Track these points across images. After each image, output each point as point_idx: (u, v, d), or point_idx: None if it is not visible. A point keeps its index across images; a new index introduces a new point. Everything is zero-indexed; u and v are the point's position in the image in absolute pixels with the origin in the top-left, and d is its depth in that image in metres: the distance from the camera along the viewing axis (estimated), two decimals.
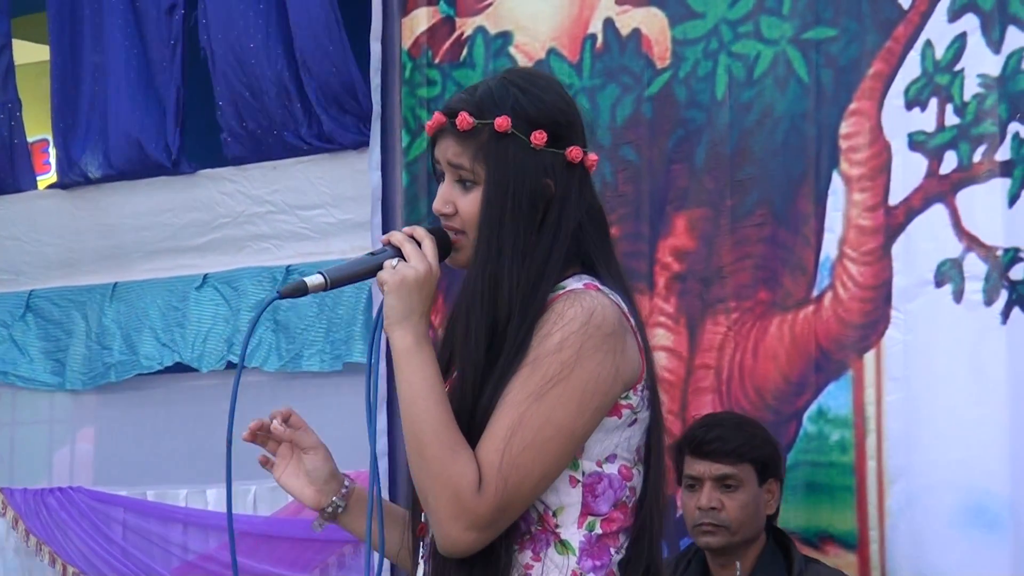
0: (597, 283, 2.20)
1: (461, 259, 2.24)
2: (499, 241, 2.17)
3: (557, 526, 2.17)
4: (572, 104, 2.27)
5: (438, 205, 2.23)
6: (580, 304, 2.14)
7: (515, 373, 2.12)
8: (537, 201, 2.19)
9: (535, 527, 2.16)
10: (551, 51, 4.08)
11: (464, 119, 2.20)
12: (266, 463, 2.41)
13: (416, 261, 2.18)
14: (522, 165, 2.19)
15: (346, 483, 2.36)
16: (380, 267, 2.20)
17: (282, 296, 2.20)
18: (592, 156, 2.26)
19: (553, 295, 2.18)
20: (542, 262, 2.19)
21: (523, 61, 4.11)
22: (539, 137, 2.19)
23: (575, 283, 2.20)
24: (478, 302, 2.17)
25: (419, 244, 2.20)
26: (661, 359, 3.89)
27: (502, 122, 2.18)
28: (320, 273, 2.20)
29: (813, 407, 3.72)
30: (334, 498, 2.36)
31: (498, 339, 2.16)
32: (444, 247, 2.23)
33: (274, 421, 2.40)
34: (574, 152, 2.22)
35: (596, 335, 2.13)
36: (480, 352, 2.16)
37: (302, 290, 2.19)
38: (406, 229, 2.23)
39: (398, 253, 2.20)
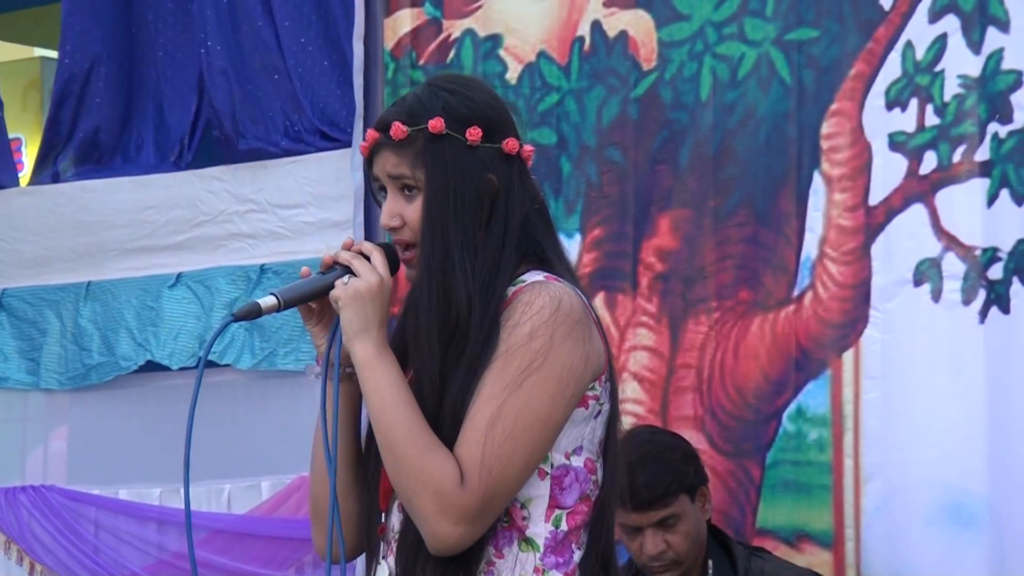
0: (556, 277, 2.22)
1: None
2: (444, 238, 2.19)
3: (524, 518, 2.18)
4: (500, 99, 2.30)
5: (385, 220, 2.25)
6: (547, 293, 2.16)
7: (487, 367, 2.13)
8: (482, 197, 2.21)
9: (502, 523, 2.17)
10: (541, 54, 4.10)
11: (398, 128, 2.21)
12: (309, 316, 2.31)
13: (367, 274, 2.20)
14: (461, 163, 2.21)
15: None
16: (332, 285, 2.22)
17: (236, 319, 2.21)
18: (528, 148, 2.28)
19: (514, 288, 2.20)
20: (495, 254, 2.21)
21: (513, 64, 4.13)
22: (474, 133, 2.21)
23: (536, 276, 2.22)
24: (430, 300, 2.18)
25: (368, 258, 2.22)
26: (643, 358, 3.91)
27: (436, 123, 2.20)
28: (273, 294, 2.22)
29: (792, 406, 3.73)
30: (349, 368, 2.26)
31: (459, 336, 2.17)
32: (393, 260, 2.25)
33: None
34: (510, 144, 2.24)
35: (566, 322, 2.15)
36: (434, 350, 2.17)
37: (255, 312, 2.20)
38: (354, 247, 2.25)
39: (348, 270, 2.22)
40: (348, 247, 2.26)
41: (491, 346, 2.15)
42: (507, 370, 2.12)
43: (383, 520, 2.25)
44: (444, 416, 2.16)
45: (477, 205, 2.21)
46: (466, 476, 2.10)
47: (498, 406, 2.11)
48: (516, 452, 2.11)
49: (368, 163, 2.27)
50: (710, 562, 3.49)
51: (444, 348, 2.17)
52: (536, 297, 2.16)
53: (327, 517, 2.24)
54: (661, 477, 3.38)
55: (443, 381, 2.17)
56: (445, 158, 2.20)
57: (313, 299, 2.26)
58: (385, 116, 2.25)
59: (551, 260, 2.25)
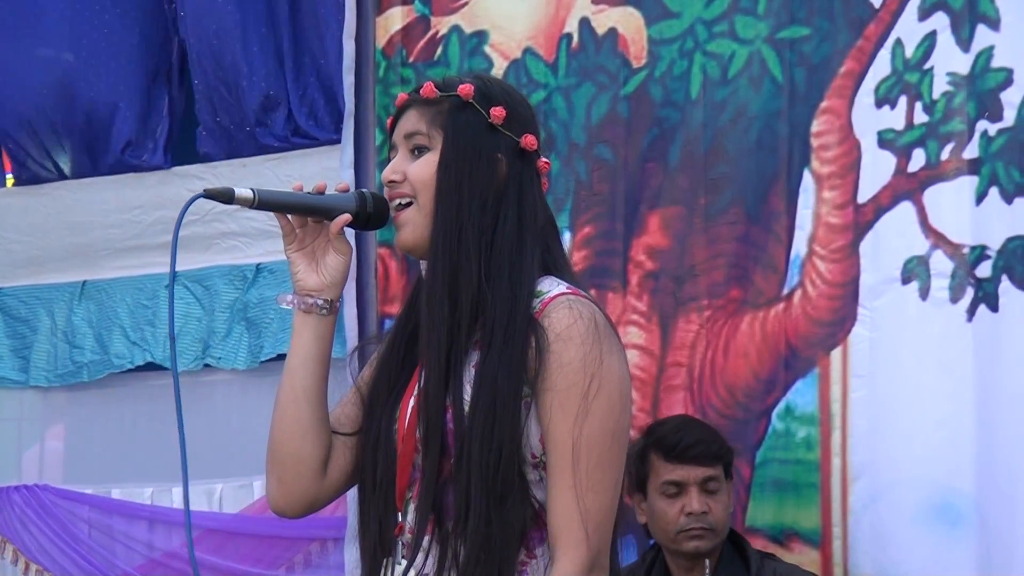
0: (575, 289, 2.24)
1: (408, 236, 2.27)
2: (457, 200, 2.22)
3: (548, 524, 2.19)
4: (531, 106, 2.35)
5: (387, 174, 2.27)
6: (579, 313, 2.18)
7: (542, 396, 2.15)
8: (491, 175, 2.24)
9: (530, 524, 2.19)
10: (527, 50, 4.10)
11: (429, 87, 2.28)
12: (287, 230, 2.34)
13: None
14: (478, 135, 2.25)
15: (337, 303, 2.35)
16: (318, 210, 2.26)
17: (207, 196, 2.24)
18: (544, 159, 2.31)
19: (541, 300, 2.21)
20: (512, 253, 2.22)
21: (499, 60, 4.14)
22: (498, 112, 2.26)
23: (556, 287, 2.23)
24: (442, 273, 2.21)
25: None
26: (633, 357, 3.90)
27: (465, 89, 2.25)
28: (252, 189, 2.24)
29: (781, 404, 3.73)
30: (322, 300, 2.32)
31: (465, 306, 2.19)
32: (381, 211, 2.28)
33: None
34: (528, 139, 2.27)
35: (605, 334, 2.19)
36: (443, 322, 2.19)
37: (228, 196, 2.23)
38: (339, 186, 2.30)
39: (342, 204, 2.26)
40: (321, 190, 2.29)
41: (516, 348, 2.15)
42: (571, 404, 2.14)
43: (400, 519, 2.25)
44: (455, 400, 2.17)
45: (487, 180, 2.24)
46: (575, 540, 2.14)
47: (573, 442, 2.14)
48: (606, 477, 2.16)
49: (390, 133, 2.31)
50: (706, 562, 3.51)
51: (457, 315, 2.19)
52: (570, 319, 2.17)
53: (282, 464, 2.28)
54: (713, 438, 3.53)
55: (450, 365, 2.18)
56: (465, 125, 2.25)
57: (291, 212, 2.28)
58: (420, 82, 2.32)
59: (568, 271, 2.28)
